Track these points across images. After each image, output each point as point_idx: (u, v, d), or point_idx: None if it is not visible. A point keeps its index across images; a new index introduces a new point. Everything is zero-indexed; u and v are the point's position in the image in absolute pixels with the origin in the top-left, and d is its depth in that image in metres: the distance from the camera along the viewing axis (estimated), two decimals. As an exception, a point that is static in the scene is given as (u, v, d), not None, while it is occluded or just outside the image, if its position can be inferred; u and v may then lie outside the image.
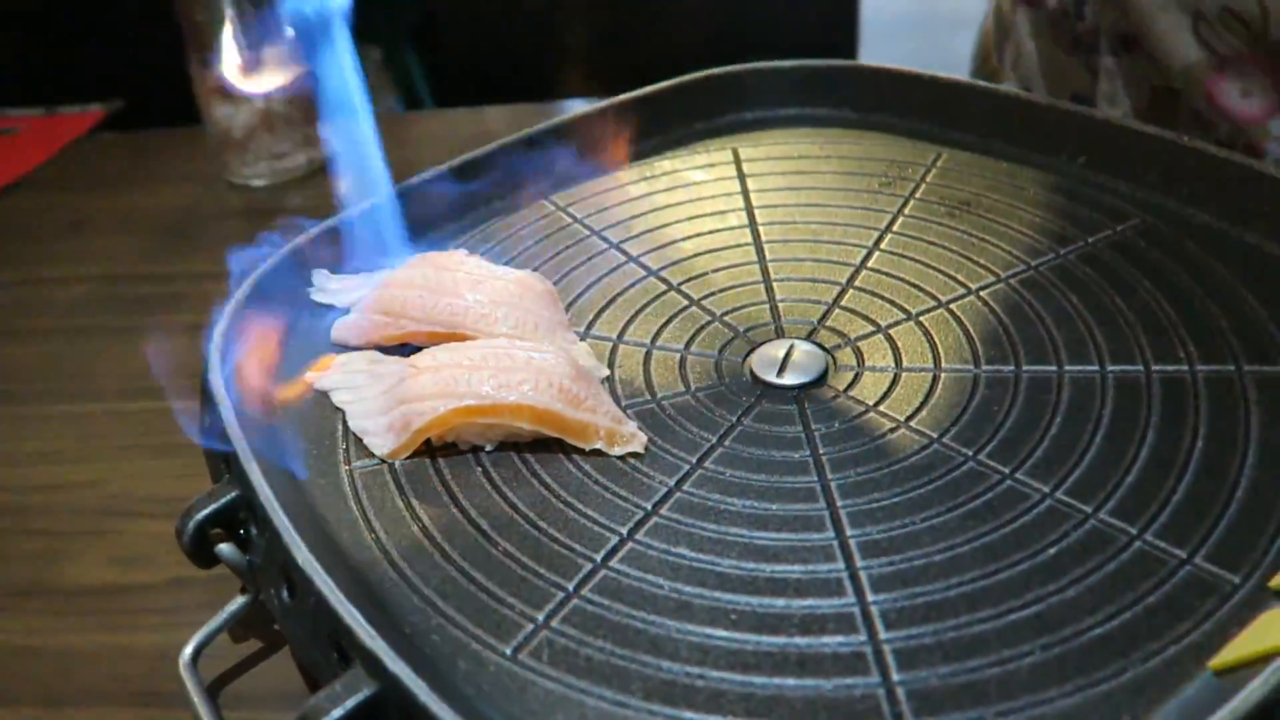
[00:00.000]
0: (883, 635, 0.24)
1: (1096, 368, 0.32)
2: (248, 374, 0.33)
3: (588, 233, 0.42)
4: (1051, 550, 0.26)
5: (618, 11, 0.86)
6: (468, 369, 0.31)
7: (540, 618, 0.26)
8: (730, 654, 0.24)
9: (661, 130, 0.47)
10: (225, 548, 0.28)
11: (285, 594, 0.26)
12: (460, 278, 0.35)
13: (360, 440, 0.32)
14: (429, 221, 0.43)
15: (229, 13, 0.52)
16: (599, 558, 0.27)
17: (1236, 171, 0.36)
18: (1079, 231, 0.38)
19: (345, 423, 0.33)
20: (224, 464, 0.30)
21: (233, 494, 0.28)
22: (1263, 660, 0.20)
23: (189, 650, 0.27)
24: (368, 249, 0.41)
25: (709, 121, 0.48)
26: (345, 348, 0.36)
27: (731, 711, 0.23)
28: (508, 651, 0.25)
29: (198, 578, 0.33)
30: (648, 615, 0.25)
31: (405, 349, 0.36)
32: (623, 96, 0.47)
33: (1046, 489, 0.28)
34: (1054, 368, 0.32)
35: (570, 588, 0.26)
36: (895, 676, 0.23)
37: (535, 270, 0.38)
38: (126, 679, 0.30)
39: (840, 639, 0.24)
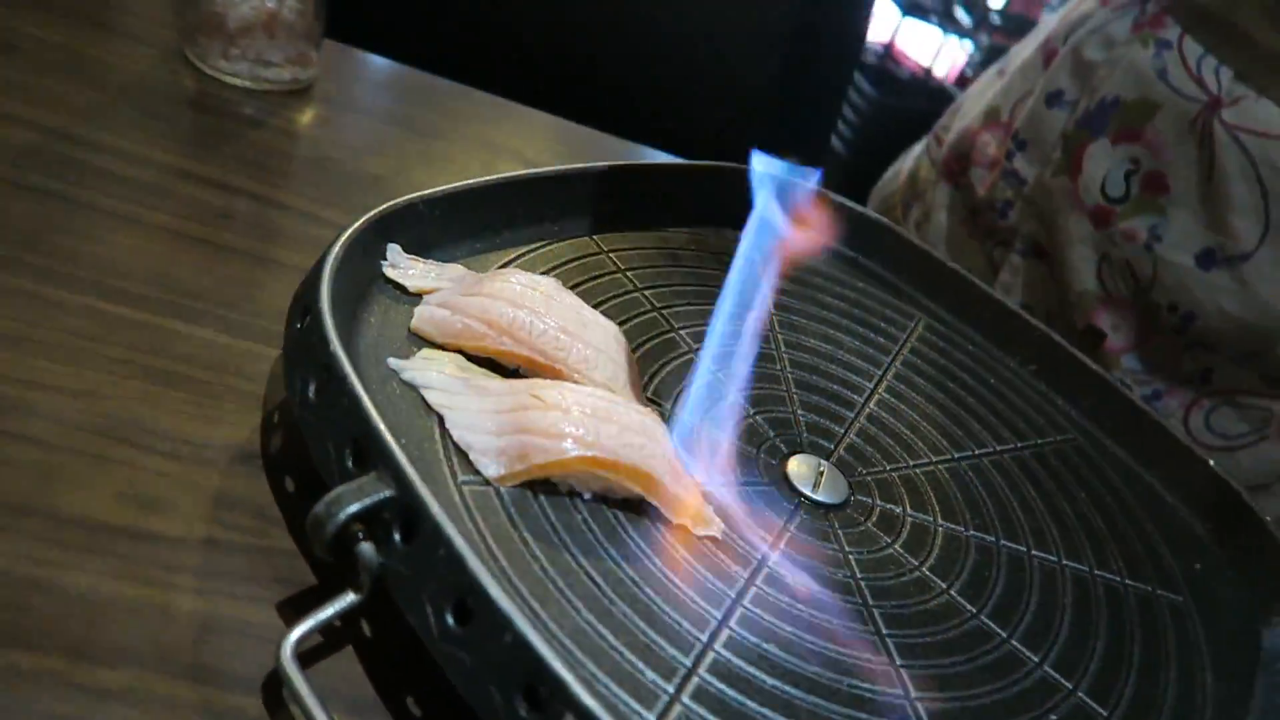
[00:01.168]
0: (947, 766, 0.29)
1: (1055, 559, 0.39)
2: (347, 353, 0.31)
3: (632, 288, 0.44)
4: (1052, 717, 0.32)
5: (576, 29, 0.86)
6: (596, 418, 0.32)
7: (671, 690, 0.28)
8: (837, 760, 0.28)
9: (700, 204, 0.50)
10: (367, 548, 0.26)
11: (450, 619, 0.25)
12: (567, 313, 0.36)
13: (462, 453, 0.32)
14: (483, 225, 0.42)
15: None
16: (705, 637, 0.30)
17: (1150, 424, 0.46)
18: (1030, 430, 0.46)
19: (443, 428, 0.32)
20: (354, 451, 0.28)
21: (385, 494, 0.27)
22: None
23: (294, 639, 0.26)
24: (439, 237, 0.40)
25: (734, 210, 0.51)
26: (422, 340, 0.35)
27: (849, 815, 0.26)
28: (651, 718, 0.26)
29: (233, 543, 0.31)
30: (759, 708, 0.28)
31: (485, 363, 0.35)
32: (675, 163, 0.49)
33: (1036, 659, 0.34)
34: (1024, 548, 0.39)
35: (689, 663, 0.29)
36: (964, 805, 0.28)
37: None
38: (168, 645, 0.27)
39: (917, 763, 0.29)
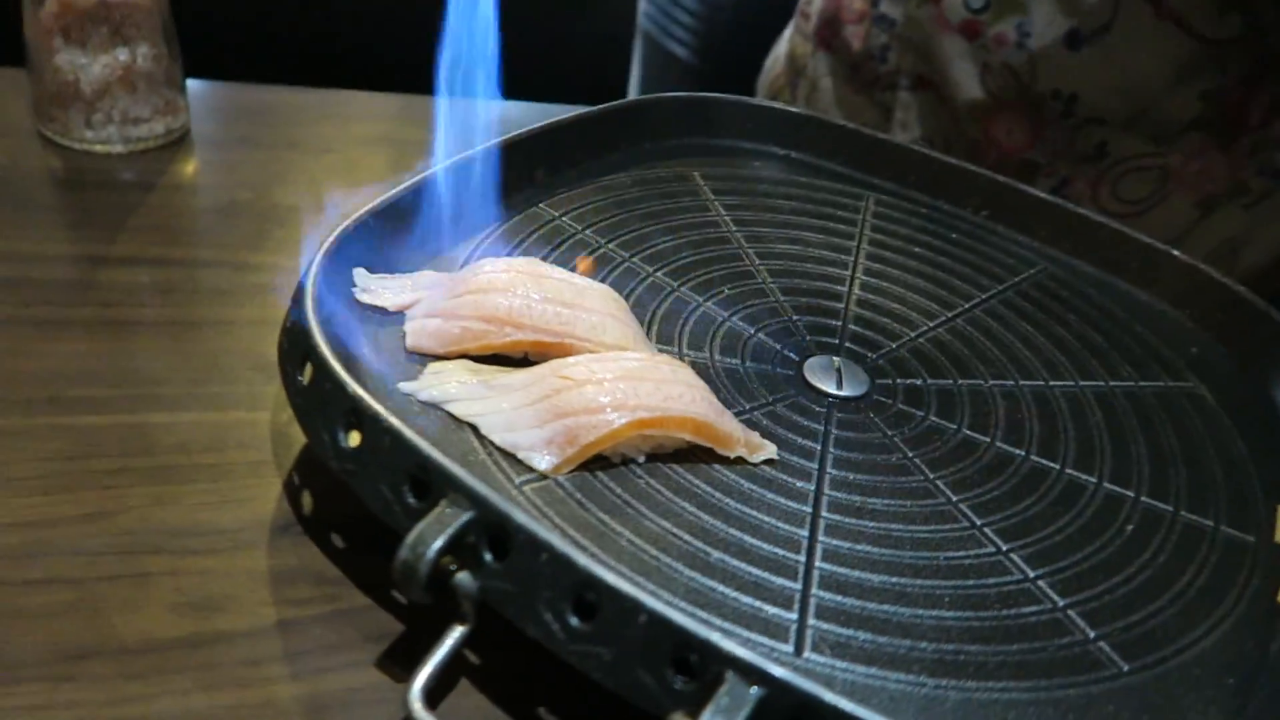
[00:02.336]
0: (1061, 603, 0.30)
1: (1073, 383, 0.40)
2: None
3: (597, 244, 0.43)
4: (1129, 527, 0.33)
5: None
6: (633, 381, 0.31)
7: (795, 616, 0.28)
8: (968, 630, 0.28)
9: (627, 144, 0.49)
10: (465, 577, 0.25)
11: (574, 619, 0.25)
12: (559, 286, 0.35)
13: (509, 455, 0.31)
14: (435, 224, 0.40)
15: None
16: (804, 558, 0.30)
17: (1107, 233, 0.47)
18: (1005, 272, 0.47)
19: (480, 437, 0.31)
20: (413, 485, 0.27)
21: (466, 518, 0.26)
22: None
23: (419, 687, 0.25)
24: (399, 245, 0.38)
25: (661, 142, 0.51)
26: (423, 355, 0.34)
27: (1000, 676, 0.27)
28: (790, 650, 0.27)
29: (307, 617, 0.29)
30: (880, 605, 0.29)
31: (491, 360, 0.34)
32: (590, 110, 0.48)
33: (1094, 479, 0.35)
34: (1041, 382, 0.40)
35: (799, 586, 0.29)
36: (1092, 634, 0.29)
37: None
38: (286, 738, 0.26)
39: (1035, 609, 0.29)
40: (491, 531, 0.26)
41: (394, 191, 0.38)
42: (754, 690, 0.23)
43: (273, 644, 0.28)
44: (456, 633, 0.26)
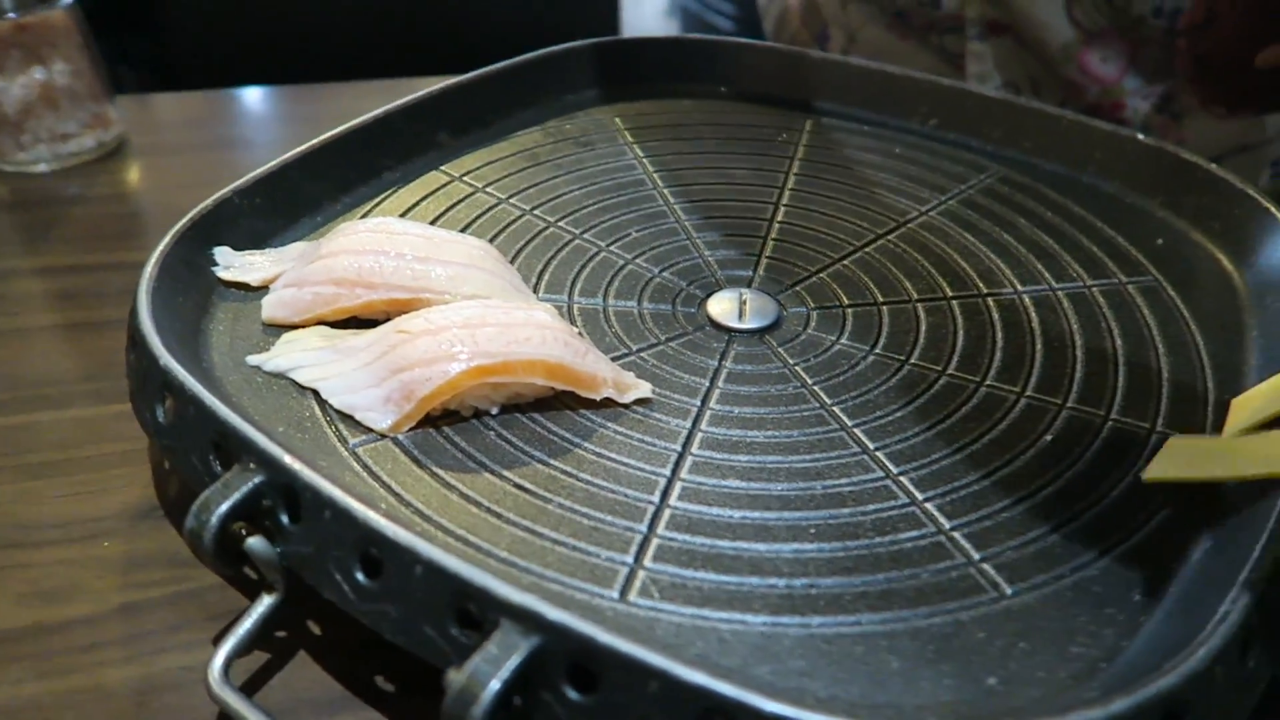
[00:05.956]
0: (948, 525, 0.27)
1: (1011, 291, 0.36)
2: (187, 364, 0.29)
3: (495, 200, 0.41)
4: (1048, 437, 0.30)
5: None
6: (471, 328, 0.29)
7: (629, 560, 0.25)
8: (828, 562, 0.25)
9: (543, 98, 0.47)
10: (256, 542, 0.24)
11: (361, 576, 0.23)
12: (415, 241, 0.33)
13: (348, 418, 0.29)
14: (316, 197, 0.39)
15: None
16: (657, 499, 0.27)
17: (1067, 125, 0.43)
18: (950, 181, 0.43)
19: (321, 402, 0.30)
20: (217, 454, 0.26)
21: (256, 480, 0.24)
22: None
23: (219, 664, 0.24)
24: (265, 221, 0.37)
25: (583, 92, 0.49)
26: (280, 327, 0.33)
27: (854, 609, 0.24)
28: (615, 595, 0.24)
29: (153, 599, 0.28)
30: (733, 543, 0.26)
31: (351, 324, 0.33)
32: (496, 66, 0.46)
33: (1017, 390, 0.32)
34: (975, 294, 0.36)
35: (644, 529, 0.26)
36: (976, 556, 0.26)
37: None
38: (109, 721, 0.25)
39: (915, 533, 0.26)
40: (284, 493, 0.24)
41: (267, 166, 0.37)
42: (529, 639, 0.21)
43: (113, 629, 0.27)
44: (265, 603, 0.25)
